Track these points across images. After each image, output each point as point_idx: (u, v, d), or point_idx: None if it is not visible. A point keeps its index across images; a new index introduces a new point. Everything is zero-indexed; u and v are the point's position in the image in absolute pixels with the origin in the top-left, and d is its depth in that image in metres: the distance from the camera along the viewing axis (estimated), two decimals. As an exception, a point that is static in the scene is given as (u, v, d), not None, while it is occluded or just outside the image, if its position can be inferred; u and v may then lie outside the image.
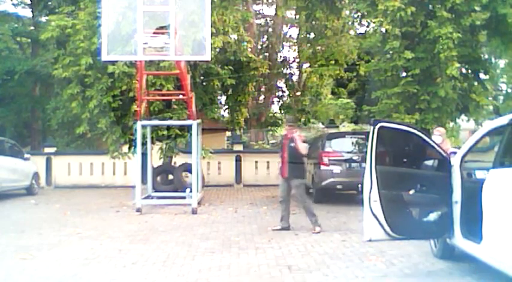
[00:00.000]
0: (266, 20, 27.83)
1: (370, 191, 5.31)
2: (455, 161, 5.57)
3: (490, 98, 16.30)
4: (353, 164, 11.67)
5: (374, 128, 5.39)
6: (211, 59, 11.12)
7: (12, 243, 7.38)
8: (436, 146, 5.71)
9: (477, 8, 10.99)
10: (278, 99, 28.75)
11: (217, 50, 13.28)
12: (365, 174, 5.40)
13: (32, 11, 23.81)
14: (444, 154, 5.64)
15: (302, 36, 22.80)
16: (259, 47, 25.77)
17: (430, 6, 11.35)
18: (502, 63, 23.32)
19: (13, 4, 24.94)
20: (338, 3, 14.90)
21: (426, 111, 11.16)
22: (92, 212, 10.91)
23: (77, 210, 11.10)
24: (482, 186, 4.86)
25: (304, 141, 8.36)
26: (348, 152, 11.97)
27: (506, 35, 11.82)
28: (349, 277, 5.43)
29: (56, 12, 14.55)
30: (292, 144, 8.26)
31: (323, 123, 27.13)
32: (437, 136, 8.43)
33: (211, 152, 14.49)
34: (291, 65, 28.18)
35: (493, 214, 4.65)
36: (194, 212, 10.52)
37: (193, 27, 10.88)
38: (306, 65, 26.70)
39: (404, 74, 11.66)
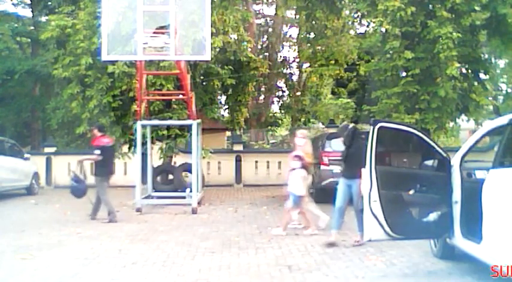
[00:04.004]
0: (266, 20, 27.87)
1: (370, 191, 5.31)
2: (455, 161, 5.57)
3: (490, 98, 16.34)
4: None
5: (374, 128, 5.40)
6: (211, 59, 11.14)
7: (12, 243, 7.37)
8: (436, 146, 5.71)
9: (477, 8, 11.00)
10: (278, 99, 28.77)
11: (217, 50, 13.27)
12: (365, 174, 5.40)
13: (32, 11, 23.82)
14: (444, 154, 5.64)
15: (302, 36, 22.77)
16: (259, 47, 25.80)
17: (430, 6, 11.36)
18: (502, 63, 23.34)
19: (13, 4, 24.97)
20: (338, 3, 14.90)
21: (426, 111, 11.16)
22: (92, 212, 10.90)
23: (77, 210, 11.07)
24: (482, 186, 4.86)
25: (98, 146, 9.61)
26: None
27: (506, 35, 11.83)
28: (349, 277, 5.43)
29: (56, 12, 14.56)
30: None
31: (323, 123, 27.13)
32: (301, 138, 8.39)
33: (211, 152, 14.49)
34: (291, 65, 28.22)
35: (493, 214, 4.64)
36: (194, 212, 10.52)
37: (193, 27, 10.87)
38: (306, 65, 26.71)
39: (404, 74, 11.66)
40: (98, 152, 9.58)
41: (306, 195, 8.21)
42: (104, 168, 9.69)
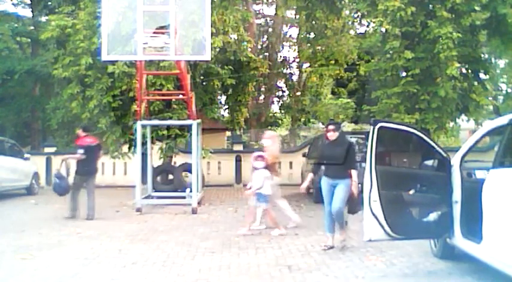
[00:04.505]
0: (266, 20, 27.84)
1: (370, 191, 5.31)
2: (455, 161, 5.57)
3: (490, 98, 16.33)
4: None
5: (374, 128, 5.40)
6: (211, 59, 11.13)
7: (12, 243, 7.37)
8: (436, 146, 5.71)
9: (477, 8, 11.01)
10: (278, 99, 28.76)
11: (217, 50, 13.28)
12: (365, 174, 5.40)
13: (32, 11, 23.83)
14: (444, 154, 5.64)
15: (302, 36, 22.81)
16: (259, 47, 25.78)
17: (430, 6, 11.38)
18: (502, 63, 23.33)
19: (13, 4, 24.98)
20: (338, 3, 14.91)
21: (426, 111, 11.17)
22: (92, 212, 10.90)
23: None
24: (482, 186, 4.86)
25: (82, 145, 9.88)
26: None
27: (506, 35, 11.84)
28: (349, 277, 5.43)
29: (56, 12, 14.56)
30: None
31: (323, 123, 27.08)
32: (267, 139, 8.57)
33: (211, 152, 14.49)
34: (291, 65, 28.21)
35: (493, 214, 4.64)
36: (194, 212, 10.52)
37: (193, 27, 10.87)
38: (306, 65, 26.70)
39: (404, 74, 11.67)
40: (81, 151, 9.81)
41: (272, 194, 8.27)
42: (86, 168, 9.89)
